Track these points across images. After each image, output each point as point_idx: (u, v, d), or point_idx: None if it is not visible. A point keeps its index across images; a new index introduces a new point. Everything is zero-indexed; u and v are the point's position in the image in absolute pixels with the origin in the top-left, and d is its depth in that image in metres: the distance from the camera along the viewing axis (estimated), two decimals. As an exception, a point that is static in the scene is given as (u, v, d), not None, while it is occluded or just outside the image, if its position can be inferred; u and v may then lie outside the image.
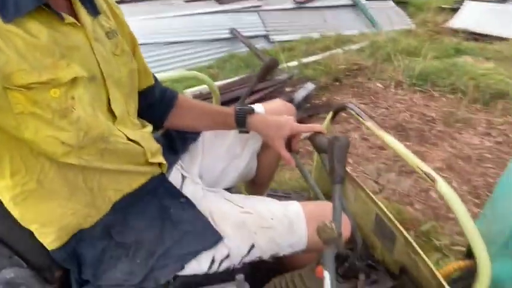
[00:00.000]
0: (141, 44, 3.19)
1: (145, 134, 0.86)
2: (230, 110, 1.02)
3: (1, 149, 0.66)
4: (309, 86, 3.20)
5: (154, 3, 4.63)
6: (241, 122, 1.00)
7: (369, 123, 1.04)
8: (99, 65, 0.72)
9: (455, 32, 4.88)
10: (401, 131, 2.92)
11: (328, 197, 1.06)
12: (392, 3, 5.88)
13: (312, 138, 0.99)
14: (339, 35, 4.73)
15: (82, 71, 0.67)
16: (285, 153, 0.99)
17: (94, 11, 0.76)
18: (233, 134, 1.12)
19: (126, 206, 0.83)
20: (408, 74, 3.69)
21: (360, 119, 1.08)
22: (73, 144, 0.67)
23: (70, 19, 0.68)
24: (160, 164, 0.90)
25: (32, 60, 0.60)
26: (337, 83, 3.73)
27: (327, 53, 4.19)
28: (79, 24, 0.70)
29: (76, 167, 0.71)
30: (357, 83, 3.74)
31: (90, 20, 0.74)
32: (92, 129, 0.69)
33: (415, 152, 2.44)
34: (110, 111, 0.76)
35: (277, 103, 1.25)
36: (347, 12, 5.31)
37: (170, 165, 1.00)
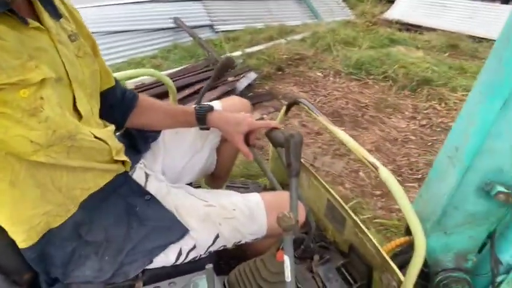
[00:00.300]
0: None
1: (109, 133, 0.88)
2: (190, 108, 1.06)
3: None
4: (252, 76, 3.30)
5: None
6: (202, 120, 1.04)
7: (321, 118, 1.12)
8: (65, 67, 0.75)
9: (390, 22, 5.20)
10: (337, 117, 3.11)
11: (283, 185, 1.15)
12: (334, -6, 6.11)
13: (269, 133, 1.04)
14: (283, 25, 4.87)
15: (50, 72, 0.70)
16: (244, 148, 1.04)
17: (56, 15, 0.78)
18: (193, 130, 1.16)
19: (93, 204, 0.85)
20: (346, 63, 3.90)
21: (312, 113, 1.15)
22: (42, 142, 0.69)
23: (34, 23, 0.70)
24: (124, 162, 0.93)
25: (0, 62, 0.62)
26: (279, 72, 3.86)
27: (271, 43, 4.31)
28: (44, 28, 0.73)
29: (44, 166, 0.74)
30: (299, 72, 3.90)
31: (53, 23, 0.76)
32: (60, 128, 0.71)
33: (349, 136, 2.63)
34: (76, 111, 0.78)
35: (234, 100, 1.30)
36: (291, 3, 5.45)
37: (133, 164, 1.01)
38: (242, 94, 3.17)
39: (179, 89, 3.01)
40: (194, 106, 1.06)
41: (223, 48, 4.12)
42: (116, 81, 1.02)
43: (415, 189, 2.28)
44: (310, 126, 2.98)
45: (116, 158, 0.88)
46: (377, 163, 0.89)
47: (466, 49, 4.29)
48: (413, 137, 2.85)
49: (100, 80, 0.92)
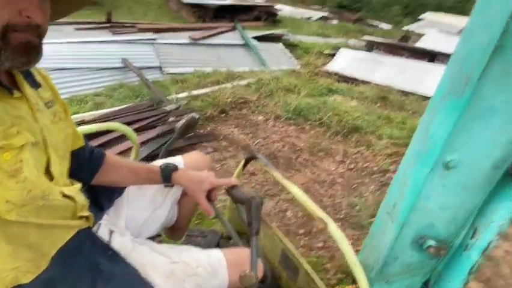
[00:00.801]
0: None
1: (77, 190, 0.92)
2: (155, 167, 1.11)
3: None
4: (192, 117, 3.41)
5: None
6: (167, 179, 1.10)
7: (275, 173, 1.21)
8: (42, 132, 0.80)
9: (330, 74, 5.63)
10: (273, 159, 3.27)
11: (240, 233, 1.21)
12: (282, 46, 6.55)
13: (230, 191, 1.11)
14: (231, 71, 5.11)
15: (30, 137, 0.75)
16: (206, 205, 1.10)
17: (35, 85, 0.85)
18: (155, 186, 1.21)
19: (61, 261, 0.87)
20: (286, 109, 4.15)
21: (267, 168, 1.25)
22: (17, 202, 0.73)
23: (17, 93, 0.76)
24: (87, 218, 0.95)
25: None
26: (223, 115, 4.02)
27: (217, 87, 4.50)
28: (24, 97, 0.79)
29: (15, 224, 0.76)
30: (242, 115, 4.08)
31: (32, 92, 0.82)
32: (35, 188, 0.75)
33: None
34: (48, 173, 0.82)
35: (196, 155, 1.38)
36: (240, 50, 5.77)
37: (97, 220, 1.05)
38: (181, 134, 3.26)
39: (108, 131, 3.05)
40: (160, 165, 1.11)
41: (170, 90, 4.24)
42: (86, 141, 1.07)
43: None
44: (246, 168, 3.10)
45: (80, 214, 0.91)
46: (326, 218, 0.98)
47: (394, 101, 4.72)
48: (340, 180, 3.04)
49: (71, 142, 0.97)
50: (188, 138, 3.32)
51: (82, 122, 3.11)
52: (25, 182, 0.73)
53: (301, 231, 2.39)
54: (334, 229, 0.96)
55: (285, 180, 1.18)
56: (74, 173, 0.99)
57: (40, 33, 0.73)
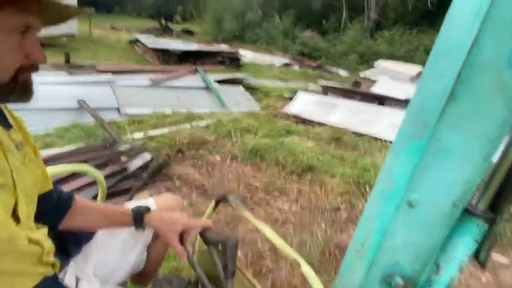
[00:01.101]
0: None
1: (44, 235, 0.89)
2: (126, 210, 1.09)
3: None
4: (146, 156, 3.39)
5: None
6: (139, 221, 1.07)
7: (248, 215, 1.21)
8: (12, 174, 0.78)
9: (289, 116, 5.81)
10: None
11: (209, 277, 1.17)
12: (243, 89, 6.74)
13: (203, 233, 1.09)
14: (190, 112, 5.18)
15: None
16: (178, 248, 1.06)
17: (7, 125, 0.84)
18: (126, 229, 1.16)
19: None
20: (243, 149, 4.20)
21: (240, 209, 1.25)
22: None
23: None
24: (53, 265, 0.92)
25: None
26: (179, 155, 4.01)
27: (175, 128, 4.52)
28: None
29: None
30: (199, 155, 4.08)
31: (4, 133, 0.81)
32: (1, 232, 0.72)
33: (236, 217, 2.73)
34: (15, 216, 0.79)
35: (167, 197, 1.35)
36: (200, 93, 5.88)
37: (64, 266, 1.01)
38: (134, 174, 3.21)
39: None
40: (132, 208, 1.09)
41: (126, 130, 4.21)
42: (54, 185, 1.04)
43: (286, 267, 2.41)
44: (199, 206, 3.07)
45: (46, 259, 0.87)
46: (299, 260, 1.01)
47: (348, 142, 4.90)
48: (292, 218, 3.06)
49: (39, 184, 0.95)
50: (141, 178, 3.27)
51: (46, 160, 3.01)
52: None
53: (251, 270, 2.35)
54: (307, 269, 0.98)
55: (258, 222, 1.18)
56: (41, 217, 0.95)
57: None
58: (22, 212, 0.81)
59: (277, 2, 19.24)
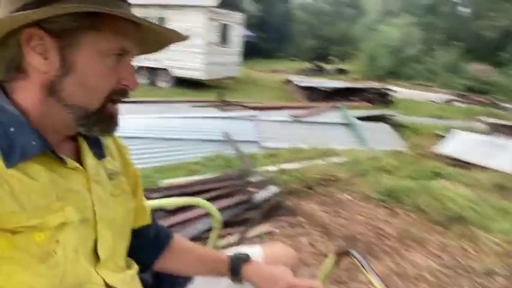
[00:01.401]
0: (137, 138, 3.71)
1: (126, 278, 0.81)
2: (225, 257, 0.98)
3: None
4: (272, 189, 3.42)
5: (165, 105, 5.30)
6: (235, 272, 0.96)
7: (371, 276, 1.04)
8: (93, 208, 0.72)
9: (439, 156, 5.09)
10: (350, 241, 2.98)
11: None
12: (387, 126, 6.29)
13: None
14: (327, 148, 5.07)
15: (74, 214, 0.67)
16: None
17: (100, 154, 0.78)
18: (224, 282, 1.03)
19: None
20: (378, 190, 3.84)
21: (362, 268, 1.08)
22: None
23: (72, 164, 0.69)
24: None
25: (24, 202, 0.59)
26: (308, 191, 3.92)
27: (307, 163, 4.48)
28: (81, 168, 0.71)
29: None
30: (328, 192, 3.91)
31: (94, 162, 0.75)
32: (68, 276, 0.65)
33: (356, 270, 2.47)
34: (95, 254, 0.73)
35: (278, 247, 1.20)
36: (340, 129, 5.74)
37: None
38: (258, 206, 3.26)
39: (202, 192, 3.24)
40: (230, 256, 0.98)
41: (261, 163, 4.39)
42: (153, 219, 0.98)
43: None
44: (319, 247, 2.89)
45: None
46: None
47: (516, 191, 3.95)
48: (428, 277, 2.56)
49: (135, 218, 0.89)
50: (264, 211, 3.30)
51: (171, 187, 3.40)
52: (57, 268, 0.63)
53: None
54: None
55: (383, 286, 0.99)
56: (135, 253, 0.90)
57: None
58: (104, 250, 0.74)
59: (441, 34, 17.74)
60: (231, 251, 1.02)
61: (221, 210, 3.02)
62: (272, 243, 1.30)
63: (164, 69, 11.04)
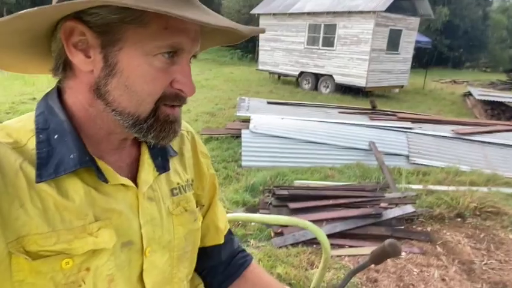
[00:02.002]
0: (283, 137, 4.08)
1: None
2: None
3: None
4: (408, 209, 3.08)
5: (316, 109, 5.38)
6: None
7: None
8: (140, 230, 0.63)
9: None
10: (496, 285, 2.43)
11: None
12: None
13: None
14: (495, 174, 4.23)
15: (113, 239, 0.58)
16: None
17: (163, 167, 0.69)
18: None
19: None
20: (559, 235, 3.00)
21: None
22: None
23: (115, 181, 0.60)
24: None
25: (56, 223, 0.53)
26: (458, 219, 3.37)
27: (465, 188, 3.84)
28: (130, 184, 0.62)
29: None
30: (483, 226, 3.28)
31: (152, 176, 0.66)
32: None
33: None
34: (140, 282, 0.64)
35: None
36: (519, 154, 4.70)
37: None
38: (388, 223, 2.99)
39: (329, 197, 3.17)
40: None
41: (406, 179, 3.99)
42: (229, 239, 0.86)
43: None
44: (456, 285, 2.45)
45: None
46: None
47: None
48: None
49: (206, 236, 0.81)
50: (396, 230, 3.00)
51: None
52: None
53: None
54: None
55: None
56: (204, 275, 0.83)
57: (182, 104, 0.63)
58: (151, 277, 0.65)
59: None
60: None
61: (343, 219, 2.91)
62: None
63: (329, 75, 11.16)
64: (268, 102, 6.44)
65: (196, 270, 0.80)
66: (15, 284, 0.51)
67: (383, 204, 3.15)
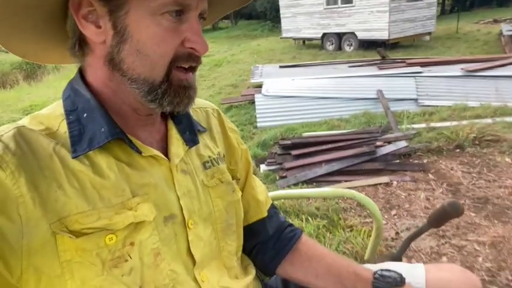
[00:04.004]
0: (294, 97, 4.58)
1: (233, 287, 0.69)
2: (367, 273, 0.75)
3: None
4: (401, 144, 3.36)
5: (325, 67, 5.62)
6: None
7: None
8: (179, 202, 0.63)
9: None
10: (480, 203, 2.70)
11: None
12: None
13: None
14: (505, 106, 4.30)
15: (153, 212, 0.59)
16: None
17: (192, 140, 0.69)
18: None
19: None
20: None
21: None
22: None
23: (149, 152, 0.61)
24: None
25: (94, 201, 0.54)
26: (457, 150, 3.58)
27: (471, 121, 3.98)
28: (163, 157, 0.63)
29: None
30: (481, 153, 3.46)
31: (182, 150, 0.67)
32: (148, 283, 0.57)
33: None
34: (189, 255, 0.64)
35: (452, 271, 0.83)
36: (534, 84, 4.68)
37: None
38: (383, 159, 3.29)
39: (327, 142, 3.51)
40: (375, 273, 0.74)
41: (411, 120, 4.20)
42: (273, 213, 0.83)
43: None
44: (435, 202, 2.75)
45: None
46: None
47: None
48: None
49: (248, 211, 0.79)
50: (392, 164, 3.29)
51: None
52: (133, 275, 0.56)
53: None
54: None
55: None
56: (253, 254, 0.81)
57: (197, 68, 0.62)
58: (198, 249, 0.65)
59: None
60: (380, 266, 0.80)
61: (340, 159, 3.27)
62: (445, 264, 0.99)
63: (351, 32, 11.08)
64: (280, 67, 6.74)
65: (245, 251, 0.79)
66: (63, 264, 0.52)
67: (378, 143, 3.45)
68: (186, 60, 0.58)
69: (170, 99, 0.58)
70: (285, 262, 0.81)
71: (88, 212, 0.53)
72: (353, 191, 1.19)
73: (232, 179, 0.75)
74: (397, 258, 0.81)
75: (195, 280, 0.64)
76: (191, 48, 0.58)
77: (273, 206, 0.85)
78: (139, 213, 0.57)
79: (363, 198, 1.13)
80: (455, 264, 0.87)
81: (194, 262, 0.64)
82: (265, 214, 0.82)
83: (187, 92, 0.60)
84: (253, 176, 0.83)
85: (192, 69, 0.61)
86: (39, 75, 11.52)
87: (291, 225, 0.85)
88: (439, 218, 0.89)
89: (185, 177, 0.66)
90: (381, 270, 0.74)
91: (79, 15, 0.55)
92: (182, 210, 0.63)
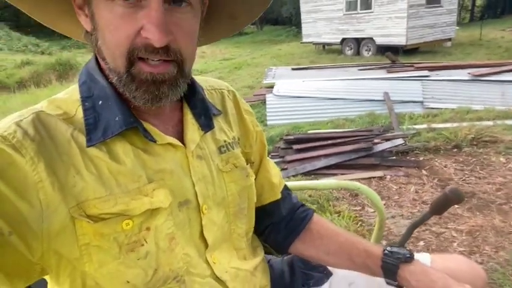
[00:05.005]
0: (302, 97, 4.93)
1: (240, 272, 0.71)
2: (378, 250, 0.75)
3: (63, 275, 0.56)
4: (397, 142, 3.54)
5: (336, 70, 5.83)
6: (390, 272, 0.72)
7: None
8: (194, 188, 0.64)
9: None
10: (467, 197, 2.85)
11: None
12: None
13: None
14: (509, 109, 4.39)
15: (168, 198, 0.60)
16: None
17: (208, 125, 0.69)
18: (372, 278, 0.78)
19: None
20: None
21: None
22: (139, 284, 0.57)
23: (163, 140, 0.61)
24: None
25: (112, 187, 0.55)
26: (454, 150, 3.72)
27: (472, 123, 4.11)
28: (178, 143, 0.63)
29: None
30: (477, 153, 3.60)
31: (198, 135, 0.67)
32: (163, 266, 0.59)
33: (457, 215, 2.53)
34: (202, 239, 0.65)
35: (458, 261, 0.87)
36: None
37: None
38: (379, 156, 3.48)
39: (327, 138, 3.73)
40: (384, 249, 0.75)
41: (413, 121, 4.36)
42: (286, 195, 0.85)
43: None
44: (424, 196, 2.93)
45: None
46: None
47: None
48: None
49: (262, 193, 0.81)
50: (387, 160, 3.48)
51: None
52: (148, 258, 0.57)
53: None
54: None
55: None
56: (266, 234, 0.84)
57: (180, 62, 0.57)
58: (211, 233, 0.66)
59: None
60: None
61: (339, 154, 3.49)
62: (451, 254, 1.02)
63: (369, 38, 11.21)
64: (293, 69, 6.98)
65: (257, 231, 0.81)
66: (82, 247, 0.53)
67: (376, 140, 3.64)
68: (144, 52, 0.53)
69: (137, 94, 0.56)
70: (298, 241, 0.83)
71: (105, 197, 0.54)
72: (358, 183, 1.20)
73: (247, 163, 0.76)
74: (400, 246, 0.80)
75: (207, 262, 0.66)
76: (146, 37, 0.53)
77: (286, 188, 0.87)
78: (155, 199, 0.58)
79: (367, 191, 1.14)
80: (461, 256, 0.90)
81: (206, 245, 0.66)
82: (279, 196, 0.83)
83: (151, 87, 0.56)
84: (268, 158, 0.84)
85: (170, 62, 0.56)
86: (71, 76, 12.16)
87: (303, 205, 0.87)
88: (441, 205, 0.91)
89: (201, 163, 0.66)
90: (391, 246, 0.75)
91: (75, 4, 0.58)
92: (197, 195, 0.64)
